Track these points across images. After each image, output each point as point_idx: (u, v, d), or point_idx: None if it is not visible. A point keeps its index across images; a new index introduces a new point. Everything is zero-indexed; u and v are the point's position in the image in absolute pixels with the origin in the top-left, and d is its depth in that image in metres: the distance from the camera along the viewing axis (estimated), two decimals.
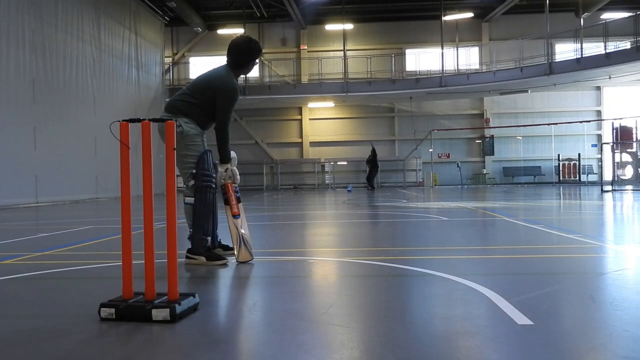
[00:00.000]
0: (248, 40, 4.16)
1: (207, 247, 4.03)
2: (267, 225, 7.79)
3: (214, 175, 4.00)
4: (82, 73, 16.88)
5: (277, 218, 9.15)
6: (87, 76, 17.18)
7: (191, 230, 3.96)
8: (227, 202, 4.06)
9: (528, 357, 1.94)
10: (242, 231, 4.03)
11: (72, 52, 16.33)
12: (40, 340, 2.24)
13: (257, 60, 4.24)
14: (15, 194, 13.23)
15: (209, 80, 4.06)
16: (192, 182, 3.91)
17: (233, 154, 4.12)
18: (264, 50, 27.71)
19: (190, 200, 3.92)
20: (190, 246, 3.97)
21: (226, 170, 4.04)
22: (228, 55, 4.11)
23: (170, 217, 2.55)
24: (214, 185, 3.98)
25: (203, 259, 3.92)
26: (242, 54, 4.10)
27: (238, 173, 4.13)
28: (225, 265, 3.93)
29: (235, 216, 4.04)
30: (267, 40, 27.95)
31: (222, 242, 4.31)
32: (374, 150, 22.67)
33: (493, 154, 27.60)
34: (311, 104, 27.20)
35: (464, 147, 28.14)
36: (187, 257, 3.95)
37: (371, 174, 22.51)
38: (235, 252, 3.99)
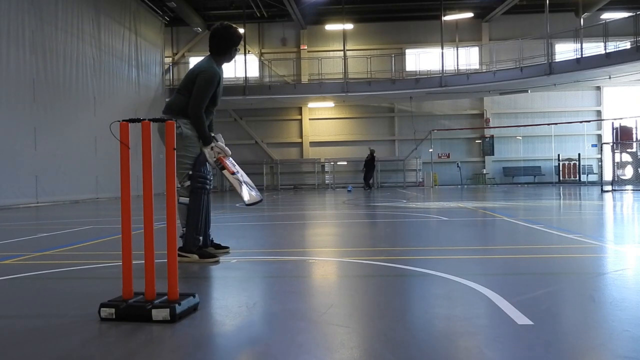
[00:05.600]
0: (228, 26, 4.22)
1: (199, 246, 4.13)
2: (267, 225, 7.79)
3: (209, 177, 4.12)
4: (82, 73, 16.87)
5: (277, 218, 9.15)
6: (87, 76, 17.17)
7: (184, 229, 4.06)
8: (222, 169, 4.12)
9: (528, 357, 1.94)
10: (243, 179, 4.13)
11: (72, 52, 16.32)
12: (40, 340, 2.24)
13: (238, 47, 4.31)
14: (15, 194, 13.22)
15: (191, 72, 4.15)
16: (187, 183, 4.02)
17: (220, 137, 4.18)
18: (263, 50, 27.84)
19: (185, 200, 4.03)
20: (181, 244, 4.04)
21: (212, 149, 4.08)
22: (210, 43, 4.19)
23: (170, 217, 2.55)
24: (208, 187, 4.10)
25: (195, 256, 4.02)
26: (222, 40, 4.16)
27: (225, 146, 4.16)
28: (217, 262, 4.04)
29: (234, 174, 4.12)
30: (267, 40, 27.95)
31: (215, 241, 4.44)
32: (372, 153, 23.15)
33: (493, 154, 27.59)
34: (311, 104, 27.19)
35: (464, 147, 28.14)
36: (178, 254, 3.95)
37: (368, 175, 23.04)
38: (244, 198, 4.06)
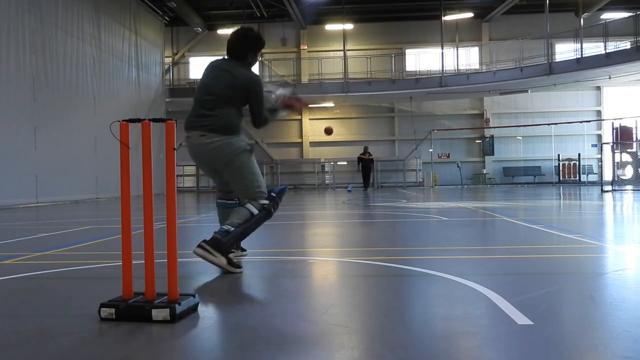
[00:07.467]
0: (249, 29, 4.01)
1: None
2: (267, 225, 7.77)
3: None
4: (82, 73, 16.86)
5: (277, 218, 9.14)
6: (87, 76, 17.17)
7: (231, 228, 3.60)
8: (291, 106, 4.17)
9: (528, 357, 1.94)
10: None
11: (72, 52, 16.32)
12: (40, 340, 2.24)
13: (259, 54, 4.08)
14: (15, 194, 13.22)
15: (235, 80, 3.72)
16: (265, 202, 3.74)
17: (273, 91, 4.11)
18: (263, 51, 27.76)
19: (253, 210, 3.68)
20: (215, 240, 3.57)
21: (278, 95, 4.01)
22: (237, 50, 3.81)
23: (170, 217, 2.55)
24: (272, 215, 3.87)
25: (224, 260, 3.57)
26: (251, 43, 3.87)
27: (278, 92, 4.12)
28: (240, 273, 3.68)
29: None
30: (267, 40, 27.38)
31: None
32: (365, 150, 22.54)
33: (493, 154, 27.59)
34: (311, 104, 27.17)
35: (464, 147, 28.13)
36: (208, 250, 3.54)
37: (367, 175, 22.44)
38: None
